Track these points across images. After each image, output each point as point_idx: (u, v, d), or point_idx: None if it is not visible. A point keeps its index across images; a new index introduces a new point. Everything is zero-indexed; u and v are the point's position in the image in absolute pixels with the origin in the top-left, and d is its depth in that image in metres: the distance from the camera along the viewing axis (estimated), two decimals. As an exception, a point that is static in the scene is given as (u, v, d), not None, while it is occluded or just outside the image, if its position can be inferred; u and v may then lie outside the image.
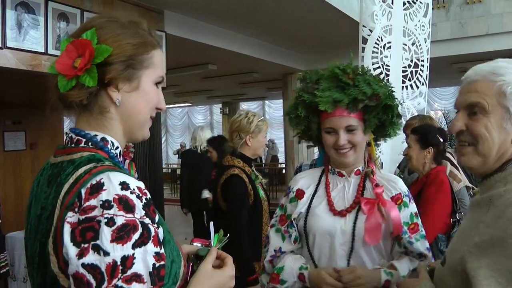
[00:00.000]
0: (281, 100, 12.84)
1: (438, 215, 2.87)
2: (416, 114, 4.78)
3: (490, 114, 1.22)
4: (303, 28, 7.52)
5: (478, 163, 1.27)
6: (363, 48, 4.56)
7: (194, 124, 20.10)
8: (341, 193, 1.93)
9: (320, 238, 1.88)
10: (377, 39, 4.60)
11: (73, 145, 1.08)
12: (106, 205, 0.92)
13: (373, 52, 4.57)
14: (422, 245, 1.86)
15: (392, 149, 4.78)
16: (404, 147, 3.49)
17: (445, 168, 3.21)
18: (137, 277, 0.90)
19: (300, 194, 2.00)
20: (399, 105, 1.90)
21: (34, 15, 4.28)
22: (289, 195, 2.03)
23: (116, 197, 0.93)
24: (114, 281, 0.88)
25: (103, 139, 1.11)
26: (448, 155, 3.55)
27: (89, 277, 0.88)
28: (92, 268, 0.88)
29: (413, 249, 1.84)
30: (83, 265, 0.88)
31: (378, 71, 4.58)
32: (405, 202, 1.87)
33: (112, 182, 0.95)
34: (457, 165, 3.48)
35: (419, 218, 1.90)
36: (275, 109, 19.34)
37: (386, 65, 4.67)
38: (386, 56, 4.68)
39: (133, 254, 0.91)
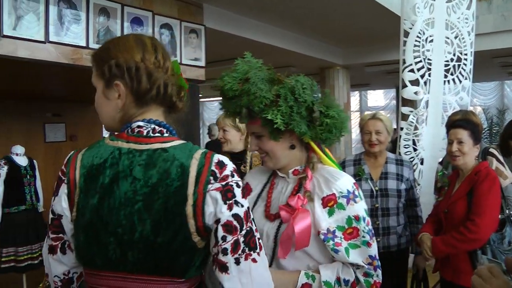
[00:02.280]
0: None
1: (495, 212, 2.79)
2: (458, 109, 4.68)
3: None
4: (342, 21, 7.41)
5: None
6: (405, 42, 4.48)
7: (229, 117, 20.14)
8: (279, 195, 1.82)
9: None
10: (419, 33, 4.50)
11: (157, 134, 1.32)
12: (233, 174, 1.29)
13: (415, 45, 4.49)
14: (360, 253, 1.65)
15: (433, 145, 4.70)
16: (446, 143, 3.38)
17: (487, 163, 3.11)
18: (253, 220, 1.32)
19: (248, 190, 1.93)
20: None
21: (76, 10, 4.34)
22: None
23: (233, 168, 1.30)
24: (248, 223, 1.28)
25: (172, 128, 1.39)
26: (493, 151, 3.46)
27: (235, 222, 1.25)
28: (237, 216, 1.26)
29: (339, 258, 1.63)
30: (232, 215, 1.25)
31: (419, 65, 4.49)
32: (340, 204, 1.65)
33: (226, 159, 1.30)
34: (503, 162, 3.38)
35: (362, 222, 1.66)
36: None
37: (428, 59, 4.58)
38: (428, 50, 4.58)
39: (248, 205, 1.31)
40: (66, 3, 4.25)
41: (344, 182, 1.69)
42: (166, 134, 1.33)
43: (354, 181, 1.73)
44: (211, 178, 1.26)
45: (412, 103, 5.42)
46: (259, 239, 1.31)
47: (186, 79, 1.45)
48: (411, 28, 4.50)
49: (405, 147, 4.65)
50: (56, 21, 4.20)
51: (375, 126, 3.22)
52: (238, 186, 1.29)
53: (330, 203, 1.66)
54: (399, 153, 4.59)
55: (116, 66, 1.30)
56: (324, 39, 8.93)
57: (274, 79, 1.73)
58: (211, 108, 22.35)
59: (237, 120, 3.25)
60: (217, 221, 1.25)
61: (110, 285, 1.28)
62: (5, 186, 5.20)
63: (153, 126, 1.32)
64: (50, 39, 4.16)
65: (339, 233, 1.63)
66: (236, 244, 1.25)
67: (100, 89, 1.35)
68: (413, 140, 4.68)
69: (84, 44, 4.42)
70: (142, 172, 1.25)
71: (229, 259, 1.25)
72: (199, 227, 1.25)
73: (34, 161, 5.67)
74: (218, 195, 1.25)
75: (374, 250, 1.68)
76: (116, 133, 1.35)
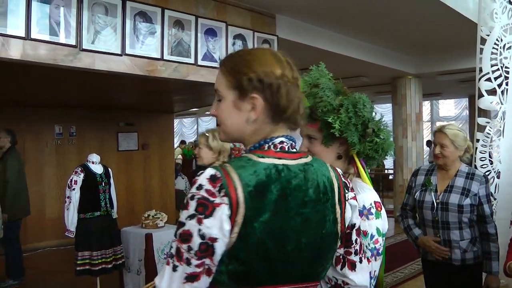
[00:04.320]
0: (390, 104, 12.35)
1: None
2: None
3: None
4: (415, 30, 7.26)
5: None
6: (481, 50, 4.31)
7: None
8: None
9: None
10: (497, 39, 4.32)
11: (295, 150, 1.37)
12: None
13: (492, 53, 4.30)
14: None
15: (510, 158, 4.48)
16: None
17: None
18: None
19: None
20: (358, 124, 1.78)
21: (151, 23, 4.50)
22: None
23: None
24: None
25: None
26: None
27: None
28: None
29: None
30: (360, 221, 1.47)
31: (497, 73, 4.31)
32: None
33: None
34: None
35: (369, 239, 1.69)
36: (382, 113, 18.87)
37: (506, 67, 4.38)
38: (505, 58, 4.38)
39: None
40: (141, 17, 4.41)
41: (364, 197, 1.74)
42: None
43: (377, 200, 1.77)
44: (345, 188, 1.41)
45: (485, 113, 5.21)
46: None
47: None
48: (488, 35, 4.33)
49: (481, 160, 4.46)
50: (131, 34, 4.36)
51: (440, 139, 3.22)
52: None
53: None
54: (475, 166, 4.41)
55: (258, 80, 1.30)
56: (396, 48, 8.78)
57: (340, 91, 1.88)
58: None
59: (209, 140, 3.44)
60: (353, 226, 1.42)
61: None
62: (81, 192, 5.41)
63: (290, 142, 1.37)
64: (126, 52, 4.33)
65: None
66: (361, 245, 1.46)
67: (231, 99, 1.34)
68: (489, 153, 4.48)
69: (158, 56, 4.58)
70: (300, 186, 1.30)
71: (356, 259, 1.44)
72: (341, 232, 1.39)
73: (109, 169, 5.87)
74: (355, 203, 1.42)
75: (368, 267, 1.64)
76: (250, 149, 1.35)
